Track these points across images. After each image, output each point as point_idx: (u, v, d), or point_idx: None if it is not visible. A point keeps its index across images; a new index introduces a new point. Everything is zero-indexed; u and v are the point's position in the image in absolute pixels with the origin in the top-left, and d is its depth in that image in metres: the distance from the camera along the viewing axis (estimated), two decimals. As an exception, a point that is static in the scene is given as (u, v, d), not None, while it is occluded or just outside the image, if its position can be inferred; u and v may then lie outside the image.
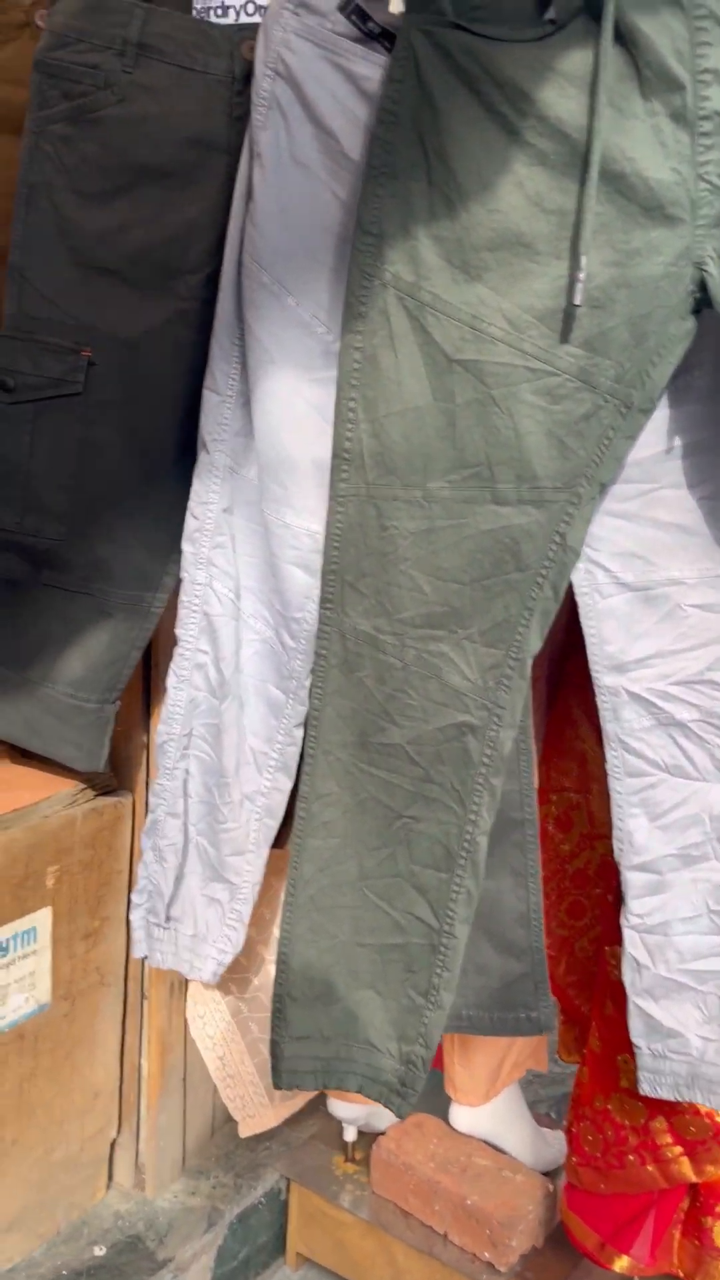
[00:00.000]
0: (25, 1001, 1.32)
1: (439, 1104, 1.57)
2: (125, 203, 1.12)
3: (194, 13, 1.12)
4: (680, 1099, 1.09)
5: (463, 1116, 1.56)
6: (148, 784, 1.39)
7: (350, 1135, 1.60)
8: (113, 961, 1.44)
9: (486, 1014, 1.17)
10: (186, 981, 1.47)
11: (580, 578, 1.04)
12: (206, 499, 1.13)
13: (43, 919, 1.33)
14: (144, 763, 1.42)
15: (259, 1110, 1.50)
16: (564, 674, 1.40)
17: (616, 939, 1.13)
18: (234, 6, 1.11)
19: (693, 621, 1.04)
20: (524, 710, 1.07)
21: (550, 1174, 1.55)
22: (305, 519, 1.06)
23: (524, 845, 1.15)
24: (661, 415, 1.00)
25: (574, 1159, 1.36)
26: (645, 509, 1.03)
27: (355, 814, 1.07)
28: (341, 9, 0.97)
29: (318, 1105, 1.64)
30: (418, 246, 0.95)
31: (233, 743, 1.15)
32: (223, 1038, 1.47)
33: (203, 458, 1.13)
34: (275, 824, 1.16)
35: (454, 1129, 1.57)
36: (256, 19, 1.09)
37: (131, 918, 1.24)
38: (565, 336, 0.94)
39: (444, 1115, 1.58)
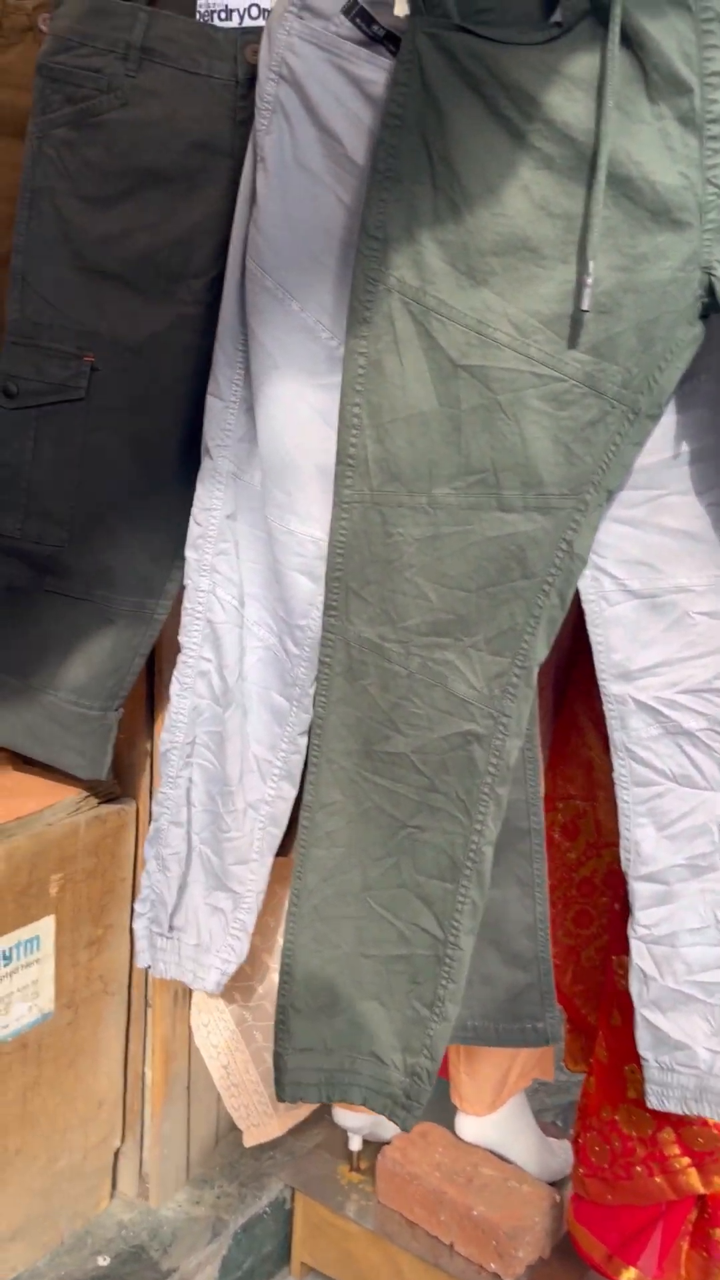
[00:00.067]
0: (28, 1010, 1.32)
1: (445, 1113, 1.56)
2: (128, 207, 1.12)
3: (197, 16, 1.11)
4: (688, 1113, 1.08)
5: (469, 1126, 1.55)
6: (151, 791, 1.38)
7: (355, 1144, 1.59)
8: (116, 970, 1.43)
9: (492, 1025, 1.16)
10: (190, 990, 1.46)
11: (587, 585, 1.03)
12: (210, 505, 1.12)
13: (46, 927, 1.32)
14: (148, 770, 1.41)
15: (263, 1119, 1.49)
16: (570, 681, 1.39)
17: (623, 948, 1.12)
18: (237, 10, 1.10)
19: (700, 629, 1.03)
20: (530, 719, 1.06)
21: (557, 1184, 1.54)
22: (309, 525, 1.05)
23: (530, 854, 1.14)
24: (669, 421, 0.99)
25: (581, 1170, 1.35)
26: (652, 515, 1.02)
27: (359, 823, 1.06)
28: (346, 12, 0.97)
29: (323, 1114, 1.63)
30: (422, 251, 0.94)
31: (236, 751, 1.14)
32: (227, 1046, 1.46)
33: (206, 463, 1.12)
34: (279, 832, 1.15)
35: (460, 1138, 1.56)
36: (260, 22, 1.08)
37: (134, 927, 1.23)
38: (572, 342, 0.93)
39: (450, 1124, 1.57)
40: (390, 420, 0.97)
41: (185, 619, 1.15)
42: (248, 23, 1.10)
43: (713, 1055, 1.05)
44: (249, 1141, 1.48)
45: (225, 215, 1.09)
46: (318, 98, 0.98)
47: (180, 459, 1.17)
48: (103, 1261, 1.44)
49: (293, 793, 1.13)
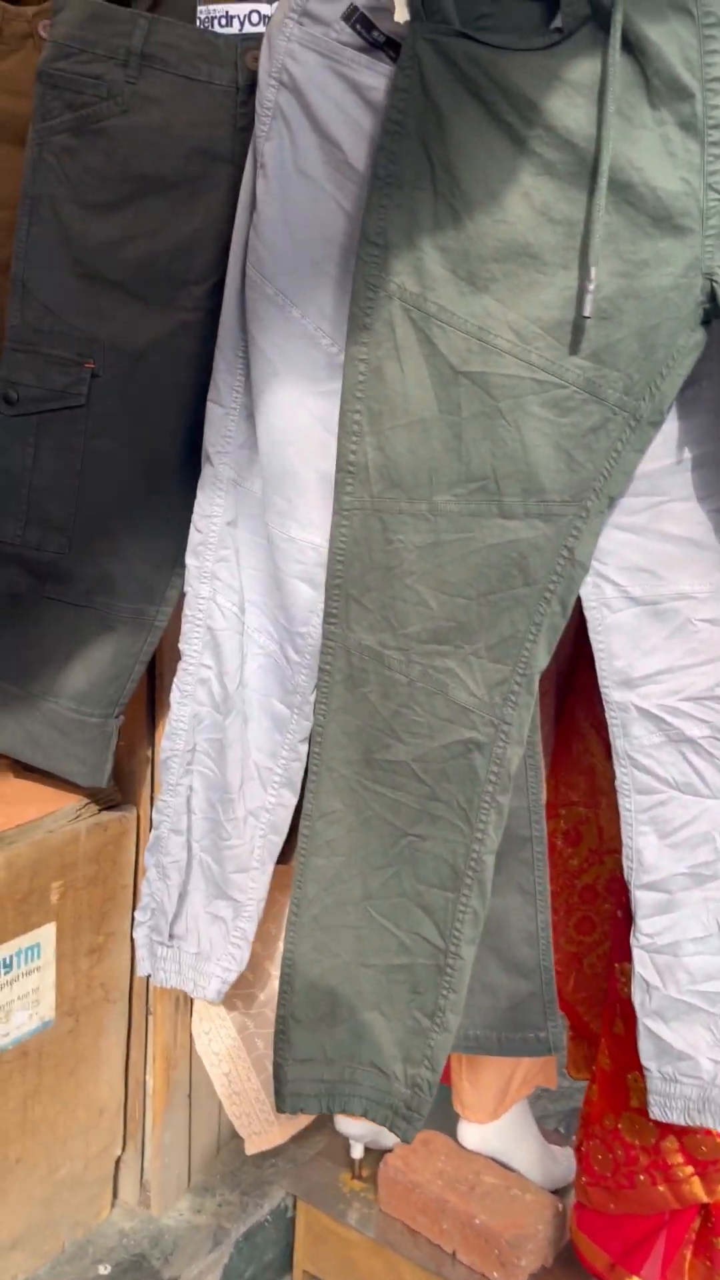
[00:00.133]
0: (29, 1018, 1.31)
1: (447, 1121, 1.56)
2: (129, 213, 1.12)
3: (198, 23, 1.11)
4: (691, 1123, 1.07)
5: (471, 1133, 1.55)
6: (152, 798, 1.38)
7: (357, 1152, 1.58)
8: (117, 977, 1.42)
9: (494, 1034, 1.15)
10: (192, 997, 1.45)
11: (588, 592, 1.03)
12: (210, 512, 1.12)
13: (47, 935, 1.31)
14: (149, 777, 1.41)
15: (265, 1127, 1.49)
16: (572, 687, 1.39)
17: (626, 955, 1.12)
18: (238, 16, 1.10)
19: (703, 636, 1.02)
20: (532, 726, 1.05)
21: (559, 1192, 1.54)
22: (310, 532, 1.05)
23: (532, 862, 1.13)
24: (670, 427, 0.99)
25: (583, 1178, 1.34)
26: (654, 522, 1.01)
27: (360, 832, 1.05)
28: (346, 18, 0.96)
29: (324, 1122, 1.63)
30: (423, 257, 0.94)
31: (237, 758, 1.14)
32: (228, 1054, 1.45)
33: (206, 470, 1.12)
34: (280, 840, 1.15)
35: (462, 1146, 1.55)
36: (260, 29, 1.08)
37: (135, 936, 1.22)
38: (573, 348, 0.92)
39: (452, 1132, 1.56)
40: (391, 427, 0.97)
41: (186, 626, 1.15)
42: (248, 29, 1.10)
43: (716, 1065, 1.05)
44: (250, 1149, 1.47)
45: (226, 221, 1.09)
46: (318, 104, 0.98)
47: (181, 466, 1.17)
48: (104, 1270, 1.44)
49: (293, 800, 1.13)
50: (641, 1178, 1.27)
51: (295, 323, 1.02)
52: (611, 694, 1.05)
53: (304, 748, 1.10)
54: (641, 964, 1.08)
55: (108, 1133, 1.47)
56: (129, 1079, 1.49)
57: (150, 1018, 1.48)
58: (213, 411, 1.11)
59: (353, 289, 0.97)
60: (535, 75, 0.88)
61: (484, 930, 1.05)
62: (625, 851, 1.07)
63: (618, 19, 0.85)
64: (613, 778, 1.08)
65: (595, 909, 1.42)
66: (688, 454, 1.00)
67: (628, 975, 1.12)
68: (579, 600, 1.02)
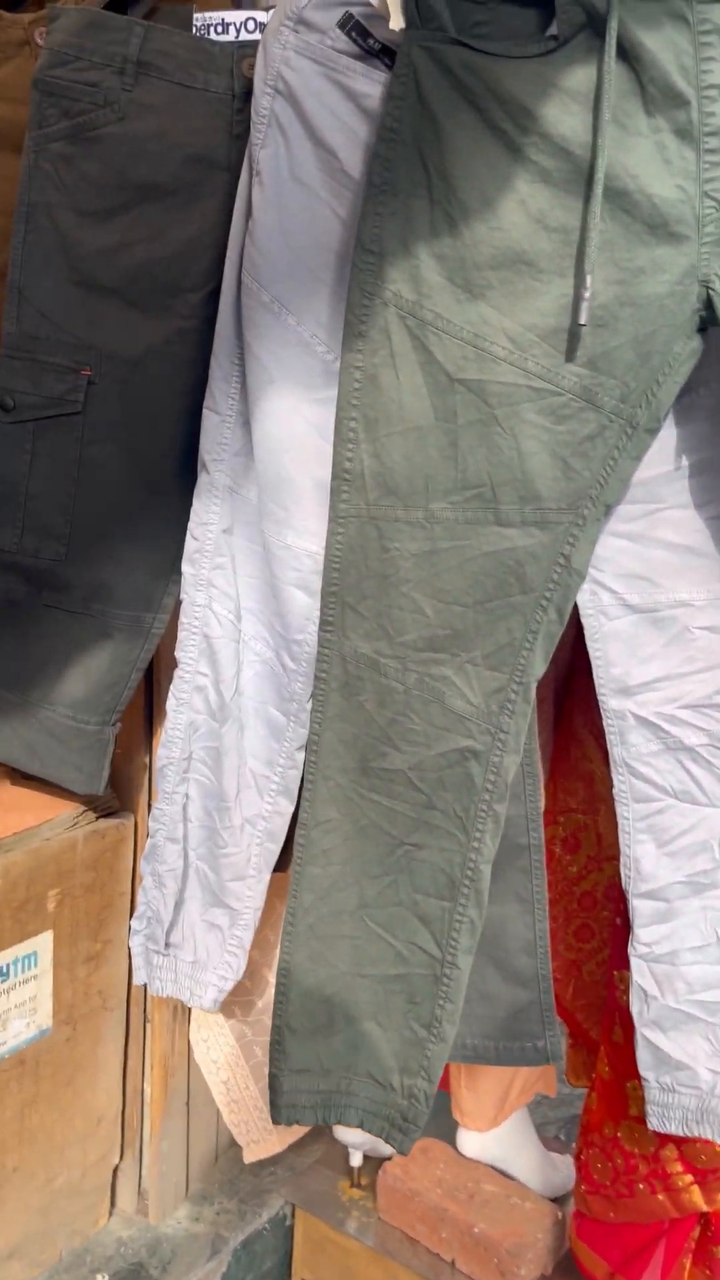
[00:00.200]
0: (26, 1026, 1.31)
1: (446, 1128, 1.55)
2: (125, 221, 1.12)
3: (194, 30, 1.11)
4: (689, 1134, 1.07)
5: (470, 1141, 1.54)
6: (150, 805, 1.37)
7: (356, 1160, 1.58)
8: (115, 985, 1.42)
9: (492, 1043, 1.15)
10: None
11: (585, 599, 1.03)
12: (206, 520, 1.12)
13: (44, 943, 1.31)
14: (146, 784, 1.41)
15: (263, 1135, 1.49)
16: (571, 693, 1.38)
17: (625, 963, 1.11)
18: (234, 24, 1.10)
19: (700, 644, 1.02)
20: (529, 734, 1.05)
21: (559, 1200, 1.53)
22: (306, 540, 1.05)
23: (530, 871, 1.13)
24: (667, 434, 0.98)
25: (583, 1187, 1.34)
26: (651, 529, 1.01)
27: (355, 841, 1.05)
28: (342, 26, 0.96)
29: (323, 1130, 1.62)
30: (419, 265, 0.94)
31: (233, 766, 1.13)
32: (227, 1062, 1.45)
33: (202, 478, 1.12)
34: (276, 848, 1.15)
35: (461, 1154, 1.55)
36: (256, 36, 1.08)
37: (131, 944, 1.22)
38: (569, 356, 0.92)
39: (451, 1140, 1.56)
40: (386, 434, 0.97)
41: (181, 634, 1.15)
42: (244, 37, 1.10)
43: (714, 1076, 1.04)
44: (249, 1158, 1.47)
45: (222, 229, 1.09)
46: (313, 112, 0.98)
47: (178, 473, 1.17)
48: (102, 1279, 1.43)
49: (290, 808, 1.13)
50: (641, 1186, 1.27)
51: (291, 330, 1.02)
52: (609, 702, 1.05)
53: (301, 755, 1.09)
54: (639, 973, 1.07)
55: (105, 1141, 1.47)
56: (127, 1087, 1.49)
57: (148, 1026, 1.47)
58: (209, 419, 1.10)
59: (348, 296, 0.97)
60: (531, 83, 0.88)
61: (482, 939, 1.05)
62: (623, 860, 1.07)
63: (613, 26, 0.85)
64: (611, 785, 1.08)
65: (594, 916, 1.42)
66: (685, 461, 1.00)
67: (626, 983, 1.12)
68: (576, 607, 1.02)
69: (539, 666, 0.99)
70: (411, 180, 0.93)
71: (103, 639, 1.22)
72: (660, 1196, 1.25)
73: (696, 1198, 1.23)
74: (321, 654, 1.03)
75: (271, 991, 1.38)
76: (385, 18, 0.93)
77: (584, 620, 1.04)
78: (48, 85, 1.10)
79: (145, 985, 1.24)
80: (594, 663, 1.04)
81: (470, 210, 0.91)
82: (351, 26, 0.96)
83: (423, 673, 1.00)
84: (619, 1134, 1.28)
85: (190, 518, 1.13)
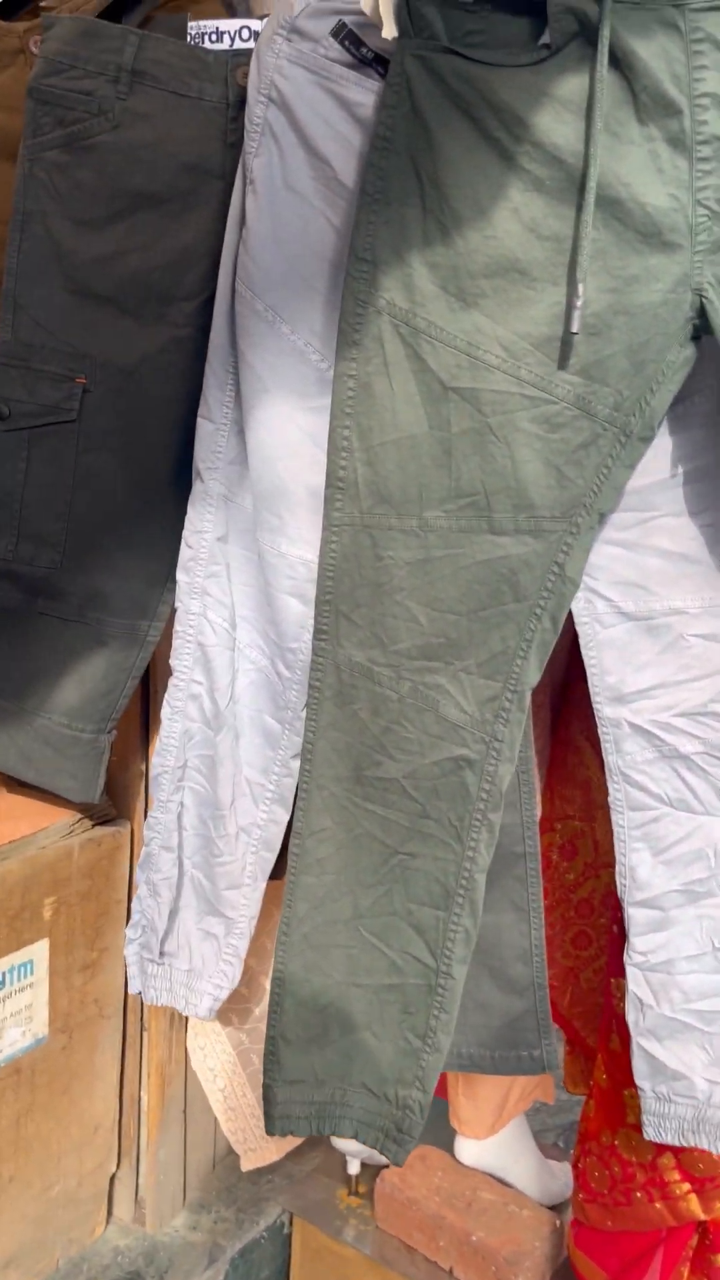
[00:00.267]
0: (22, 1035, 1.31)
1: (444, 1136, 1.55)
2: (120, 229, 1.12)
3: (188, 39, 1.11)
4: (685, 1144, 1.06)
5: (468, 1149, 1.54)
6: (146, 813, 1.37)
7: (354, 1168, 1.57)
8: (111, 993, 1.42)
9: (488, 1052, 1.15)
10: (186, 1013, 1.45)
11: (580, 607, 1.02)
12: (201, 527, 1.12)
13: (40, 951, 1.31)
14: (142, 792, 1.41)
15: (261, 1143, 1.48)
16: (568, 700, 1.38)
17: (622, 970, 1.11)
18: (228, 32, 1.10)
19: (696, 652, 1.02)
20: (524, 742, 1.05)
21: (557, 1208, 1.53)
22: (300, 548, 1.05)
23: (526, 879, 1.13)
24: (662, 442, 0.98)
25: (581, 1195, 1.33)
26: (645, 537, 1.01)
27: (350, 850, 1.05)
28: (334, 34, 0.96)
29: (321, 1138, 1.62)
30: (412, 273, 0.94)
31: (228, 775, 1.13)
32: (224, 1070, 1.45)
33: (197, 486, 1.12)
34: (272, 857, 1.14)
35: (459, 1162, 1.54)
36: (251, 45, 1.08)
37: (126, 953, 1.22)
38: (563, 364, 0.92)
39: (449, 1147, 1.55)
40: (380, 443, 0.97)
41: (176, 642, 1.15)
42: (238, 45, 1.10)
43: (710, 1085, 1.04)
44: (246, 1166, 1.47)
45: (217, 237, 1.09)
46: (307, 120, 0.98)
47: (173, 481, 1.17)
48: (98, 1288, 1.43)
49: (286, 816, 1.13)
50: (638, 1194, 1.26)
51: (285, 339, 1.02)
52: (604, 710, 1.05)
53: (296, 764, 1.09)
54: (635, 982, 1.07)
55: (102, 1149, 1.46)
56: (123, 1095, 1.48)
57: (145, 1033, 1.47)
58: (203, 427, 1.10)
59: (342, 305, 0.97)
60: (523, 91, 0.88)
61: (477, 947, 1.05)
62: (619, 868, 1.07)
63: (605, 35, 0.85)
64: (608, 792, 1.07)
65: (591, 923, 1.42)
66: (679, 469, 1.00)
67: (623, 990, 1.11)
68: (571, 615, 1.02)
69: (533, 675, 0.99)
70: (405, 189, 0.93)
71: (98, 647, 1.22)
72: (658, 1205, 1.25)
73: (694, 1206, 1.23)
74: (315, 662, 1.03)
75: (268, 999, 1.38)
76: (378, 26, 0.93)
77: (579, 628, 1.03)
78: (43, 94, 1.11)
79: (140, 994, 1.24)
80: (589, 670, 1.04)
81: (463, 219, 0.91)
82: (345, 35, 0.96)
83: (417, 681, 1.00)
84: (616, 1142, 1.28)
85: (185, 525, 1.13)
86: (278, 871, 1.16)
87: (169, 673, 1.17)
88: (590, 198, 0.87)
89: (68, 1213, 1.43)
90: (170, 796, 1.16)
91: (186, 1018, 1.45)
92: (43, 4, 1.25)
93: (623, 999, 1.11)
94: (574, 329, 0.89)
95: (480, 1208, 1.47)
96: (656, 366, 0.92)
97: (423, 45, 0.91)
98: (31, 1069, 1.33)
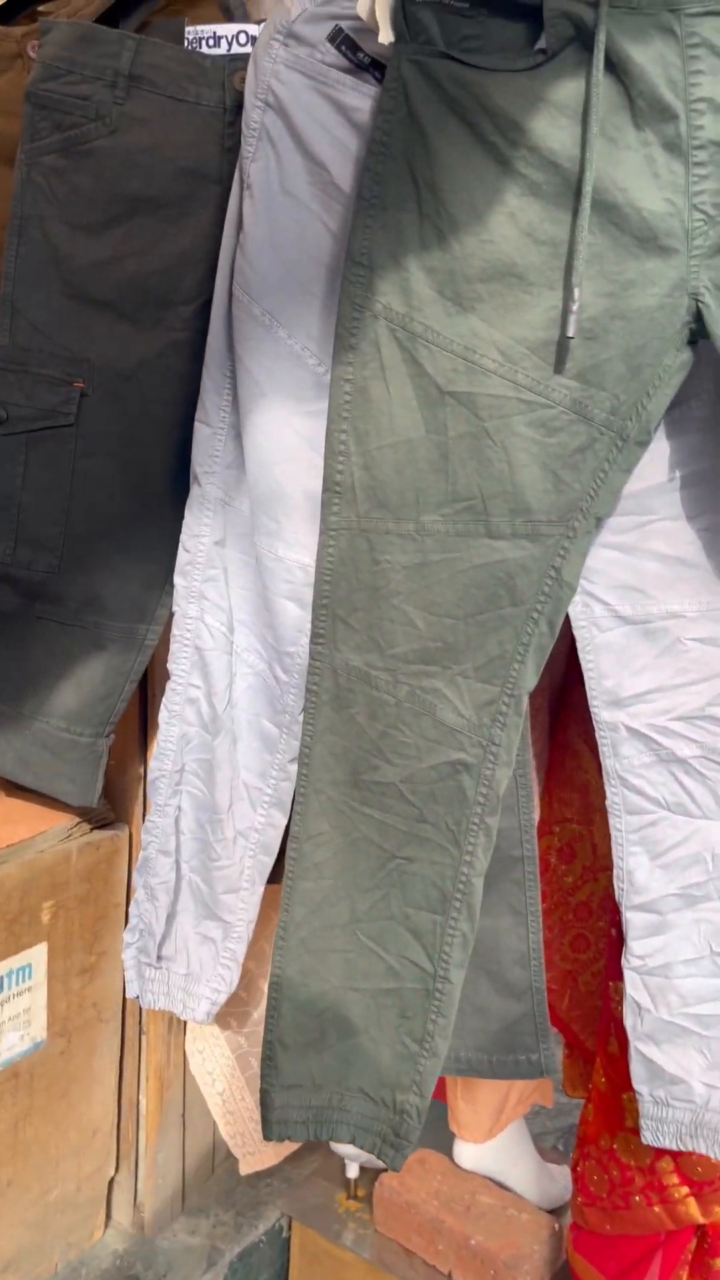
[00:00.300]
0: (20, 1039, 1.31)
1: (443, 1139, 1.55)
2: (117, 234, 1.12)
3: (185, 43, 1.11)
4: (683, 1148, 1.06)
5: (467, 1153, 1.54)
6: (144, 817, 1.37)
7: (353, 1172, 1.57)
8: (110, 997, 1.42)
9: (485, 1056, 1.15)
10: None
11: (577, 611, 1.02)
12: (198, 532, 1.12)
13: (38, 955, 1.31)
14: (140, 795, 1.41)
15: (260, 1147, 1.48)
16: (566, 704, 1.38)
17: (621, 974, 1.11)
18: (225, 37, 1.10)
19: (693, 656, 1.02)
20: (521, 746, 1.05)
21: (556, 1211, 1.52)
22: (297, 552, 1.05)
23: (523, 883, 1.12)
24: (659, 447, 0.98)
25: (579, 1199, 1.33)
26: (643, 541, 1.01)
27: (347, 854, 1.05)
28: (331, 40, 0.97)
29: (319, 1141, 1.62)
30: (409, 278, 0.94)
31: (226, 778, 1.13)
32: (223, 1073, 1.45)
33: (194, 490, 1.12)
34: (270, 861, 1.14)
35: (458, 1165, 1.54)
36: (247, 49, 1.08)
37: (123, 957, 1.22)
38: (559, 368, 0.92)
39: (448, 1151, 1.55)
40: (377, 447, 0.97)
41: (174, 646, 1.15)
42: (235, 50, 1.10)
43: (708, 1089, 1.04)
44: (245, 1169, 1.47)
45: (214, 241, 1.09)
46: (303, 125, 0.98)
47: (170, 485, 1.17)
48: (97, 1292, 1.43)
49: (283, 820, 1.12)
50: (637, 1198, 1.26)
51: (282, 343, 1.02)
52: (601, 713, 1.05)
53: (294, 768, 1.09)
54: (633, 986, 1.07)
55: (100, 1154, 1.46)
56: (122, 1099, 1.48)
57: (143, 1037, 1.47)
58: (200, 431, 1.10)
59: (339, 309, 0.97)
60: (519, 96, 0.88)
61: (475, 951, 1.05)
62: (616, 872, 1.06)
63: (601, 40, 0.85)
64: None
65: (590, 926, 1.42)
66: (676, 473, 1.00)
67: (622, 994, 1.11)
68: (569, 619, 1.02)
69: (530, 679, 0.99)
70: (401, 193, 0.93)
71: (96, 650, 1.22)
72: (656, 1208, 1.25)
73: (693, 1210, 1.23)
74: (313, 666, 1.03)
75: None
76: (374, 32, 0.93)
77: (576, 632, 1.03)
78: (40, 98, 1.11)
79: (138, 998, 1.24)
80: (586, 675, 1.04)
81: (460, 223, 0.91)
82: (341, 40, 0.96)
83: (414, 685, 1.00)
84: (615, 1146, 1.28)
85: (182, 530, 1.13)
86: (276, 875, 1.16)
87: (167, 676, 1.17)
88: (586, 202, 0.87)
89: (66, 1217, 1.43)
90: (168, 800, 1.16)
91: (185, 1021, 1.45)
92: (40, 9, 1.25)
93: (621, 1003, 1.11)
94: (569, 333, 0.89)
95: (479, 1211, 1.47)
96: (653, 371, 0.92)
97: (419, 50, 0.91)
98: (30, 1073, 1.33)
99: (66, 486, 1.18)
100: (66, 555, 1.19)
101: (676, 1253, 1.29)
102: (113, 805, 1.41)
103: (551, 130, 0.88)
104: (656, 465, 0.99)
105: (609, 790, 1.06)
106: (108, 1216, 1.52)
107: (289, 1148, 1.51)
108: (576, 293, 0.88)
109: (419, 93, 0.91)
